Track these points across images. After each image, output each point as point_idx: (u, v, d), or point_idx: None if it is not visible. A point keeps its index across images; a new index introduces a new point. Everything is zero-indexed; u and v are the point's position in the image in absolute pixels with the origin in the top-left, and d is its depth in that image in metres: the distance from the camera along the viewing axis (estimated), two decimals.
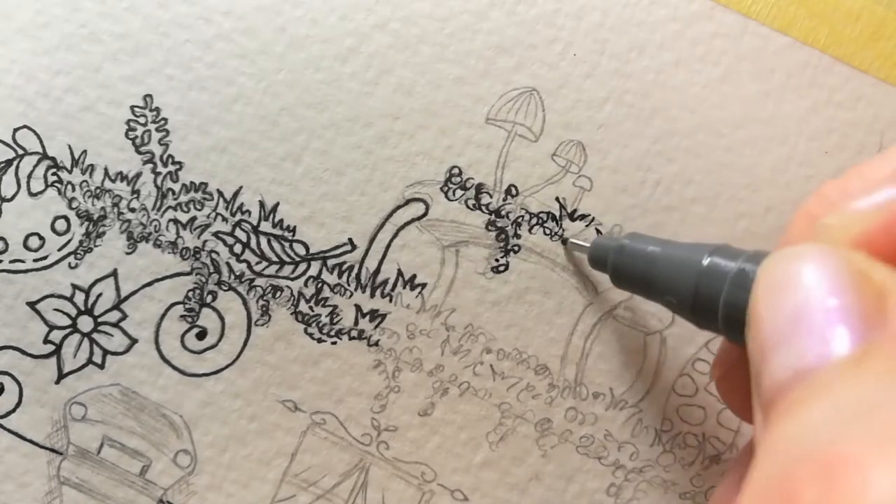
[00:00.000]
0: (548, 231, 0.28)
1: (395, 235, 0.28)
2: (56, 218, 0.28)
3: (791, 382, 0.14)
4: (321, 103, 0.29)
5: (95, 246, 0.28)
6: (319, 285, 0.28)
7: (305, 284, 0.28)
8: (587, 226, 0.28)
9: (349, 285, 0.28)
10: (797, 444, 0.13)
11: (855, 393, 0.13)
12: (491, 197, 0.29)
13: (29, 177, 0.28)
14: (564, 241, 0.28)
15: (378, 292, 0.28)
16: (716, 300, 0.19)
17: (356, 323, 0.28)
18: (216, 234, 0.28)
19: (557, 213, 0.28)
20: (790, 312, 0.15)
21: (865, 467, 0.11)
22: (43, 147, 0.28)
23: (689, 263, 0.20)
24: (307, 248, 0.28)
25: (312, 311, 0.28)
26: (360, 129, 0.28)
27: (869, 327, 0.14)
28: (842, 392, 0.13)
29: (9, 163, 0.28)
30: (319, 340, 0.28)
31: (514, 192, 0.29)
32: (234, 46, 0.29)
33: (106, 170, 0.28)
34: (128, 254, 0.28)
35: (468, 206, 0.29)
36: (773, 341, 0.15)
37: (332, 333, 0.28)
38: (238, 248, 0.28)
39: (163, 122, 0.28)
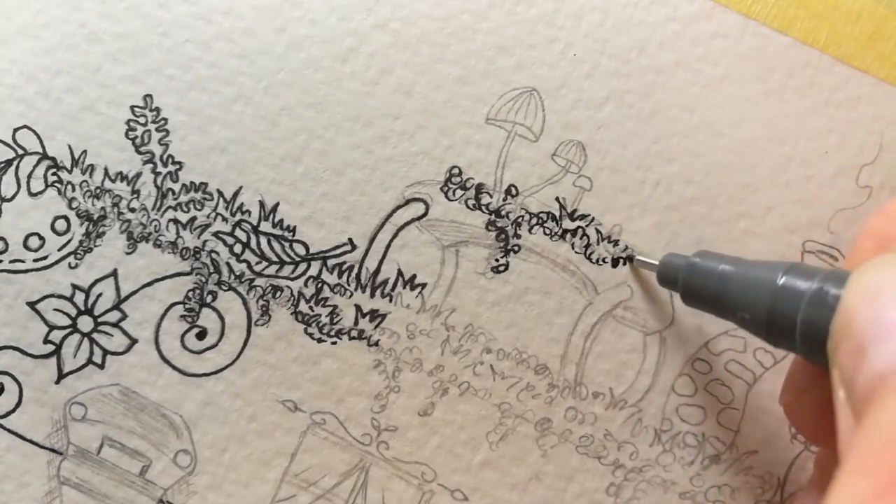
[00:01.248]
0: (548, 231, 0.28)
1: (395, 235, 0.28)
2: (56, 218, 0.28)
3: (890, 374, 0.15)
4: (321, 103, 0.29)
5: (95, 246, 0.28)
6: (319, 285, 0.28)
7: (305, 284, 0.28)
8: (587, 225, 0.28)
9: (349, 285, 0.28)
10: None
11: None
12: (491, 197, 0.29)
13: (29, 177, 0.28)
14: (630, 259, 0.28)
15: (378, 292, 0.28)
16: (792, 319, 0.19)
17: (356, 323, 0.28)
18: (216, 234, 0.28)
19: (557, 213, 0.29)
20: (890, 310, 0.15)
21: None
22: (43, 147, 0.28)
23: (763, 282, 0.21)
24: (307, 248, 0.28)
25: (312, 311, 0.28)
26: (360, 129, 0.28)
27: None
28: None
29: (9, 163, 0.28)
30: (319, 340, 0.28)
31: (514, 192, 0.29)
32: (234, 46, 0.29)
33: (106, 170, 0.28)
34: (128, 254, 0.28)
35: (468, 206, 0.29)
36: (872, 337, 0.15)
37: (332, 333, 0.28)
38: (238, 248, 0.28)
39: (163, 122, 0.28)
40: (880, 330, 0.15)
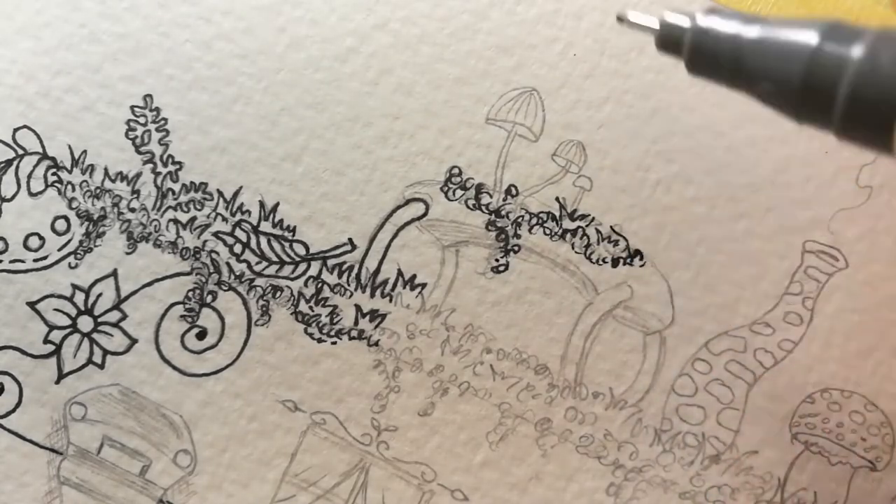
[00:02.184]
0: (548, 231, 0.28)
1: (395, 235, 0.28)
2: (56, 218, 0.28)
3: None
4: (321, 103, 0.29)
5: (95, 246, 0.28)
6: (319, 285, 0.28)
7: (305, 284, 0.28)
8: (587, 225, 0.28)
9: (349, 285, 0.28)
10: None
11: None
12: (491, 197, 0.29)
13: (29, 177, 0.28)
14: (620, 19, 0.23)
15: (378, 292, 0.28)
16: (833, 89, 0.16)
17: (356, 323, 0.28)
18: (216, 234, 0.28)
19: (557, 213, 0.29)
20: None
21: None
22: (43, 147, 0.28)
23: (797, 45, 0.17)
24: (307, 248, 0.28)
25: (312, 311, 0.28)
26: (360, 129, 0.28)
27: None
28: None
29: (9, 163, 0.28)
30: (319, 340, 0.28)
31: (514, 192, 0.29)
32: (234, 46, 0.29)
33: (106, 170, 0.28)
34: (128, 254, 0.28)
35: (468, 206, 0.29)
36: None
37: (332, 333, 0.28)
38: (238, 248, 0.28)
39: (163, 122, 0.28)
40: None
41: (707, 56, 0.20)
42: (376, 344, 0.28)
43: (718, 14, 0.20)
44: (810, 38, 0.17)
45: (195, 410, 0.28)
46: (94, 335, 0.28)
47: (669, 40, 0.21)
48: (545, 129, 0.29)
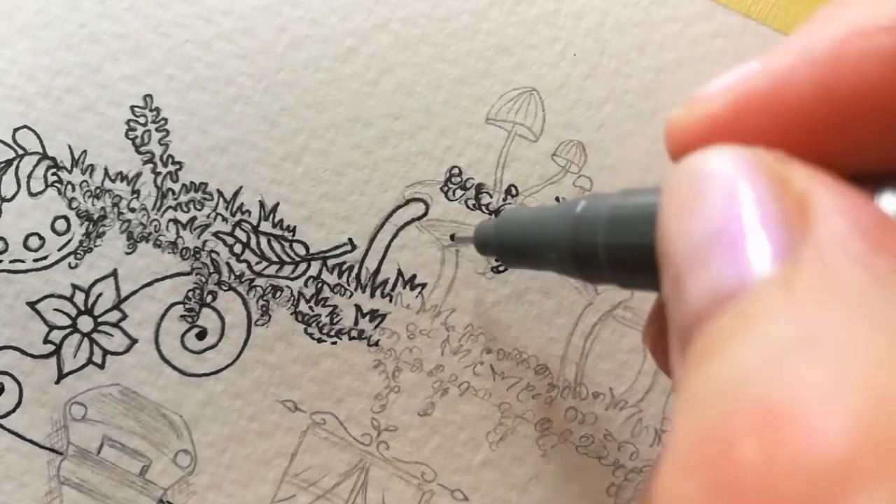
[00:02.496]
0: None
1: (395, 235, 0.28)
2: (56, 218, 0.28)
3: (710, 310, 0.11)
4: (321, 103, 0.29)
5: (95, 246, 0.28)
6: (319, 285, 0.28)
7: (305, 284, 0.28)
8: None
9: (349, 285, 0.28)
10: (728, 390, 0.10)
11: (790, 321, 0.10)
12: (491, 197, 0.29)
13: (29, 177, 0.28)
14: (452, 238, 0.28)
15: (378, 292, 0.28)
16: (594, 247, 0.17)
17: (356, 323, 0.28)
18: (216, 234, 0.28)
19: None
20: (702, 229, 0.12)
21: (813, 414, 0.09)
22: (43, 147, 0.28)
23: (563, 216, 0.19)
24: (307, 248, 0.28)
25: (312, 311, 0.28)
26: (360, 129, 0.28)
27: (793, 238, 0.11)
28: (774, 321, 0.11)
29: (9, 163, 0.28)
30: (319, 340, 0.28)
31: (514, 192, 0.29)
32: (234, 46, 0.29)
33: (106, 170, 0.28)
34: (128, 254, 0.28)
35: (468, 206, 0.29)
36: (685, 265, 0.12)
37: (332, 333, 0.28)
38: (238, 248, 0.28)
39: (163, 122, 0.28)
40: (695, 253, 0.12)
41: (508, 247, 0.22)
42: (376, 344, 0.28)
43: (511, 212, 0.23)
44: (575, 206, 0.18)
45: (195, 410, 0.28)
46: (94, 335, 0.28)
47: (482, 243, 0.24)
48: (545, 129, 0.29)
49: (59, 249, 0.28)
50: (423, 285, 0.28)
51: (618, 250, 0.16)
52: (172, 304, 0.28)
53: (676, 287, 0.12)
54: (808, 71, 0.13)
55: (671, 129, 0.15)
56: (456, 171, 0.28)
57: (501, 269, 0.28)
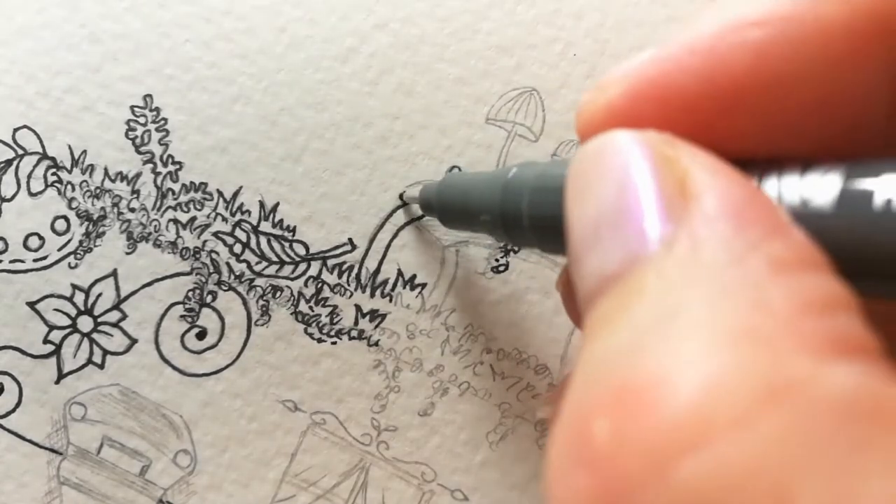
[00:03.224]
0: None
1: (395, 235, 0.28)
2: (56, 218, 0.28)
3: (598, 291, 0.12)
4: (321, 103, 0.29)
5: (95, 246, 0.28)
6: (319, 285, 0.28)
7: (305, 284, 0.28)
8: None
9: (349, 285, 0.28)
10: (596, 369, 0.11)
11: (657, 300, 0.11)
12: None
13: (29, 177, 0.28)
14: (401, 196, 0.28)
15: (378, 292, 0.28)
16: (519, 213, 0.18)
17: (356, 323, 0.28)
18: (216, 234, 0.28)
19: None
20: (595, 211, 0.13)
21: (660, 387, 0.10)
22: (43, 147, 0.28)
23: (497, 180, 0.19)
24: (307, 248, 0.28)
25: (312, 311, 0.28)
26: (360, 129, 0.28)
27: (672, 218, 0.11)
28: (646, 300, 0.11)
29: (9, 163, 0.28)
30: (319, 340, 0.28)
31: None
32: (234, 46, 0.29)
33: (106, 170, 0.28)
34: (128, 254, 0.28)
35: None
36: (581, 246, 0.13)
37: (332, 333, 0.28)
38: (238, 248, 0.28)
39: (163, 122, 0.28)
40: (588, 236, 0.12)
41: (447, 207, 0.23)
42: (376, 344, 0.28)
43: (454, 175, 0.23)
44: (508, 171, 0.19)
45: (195, 410, 0.28)
46: (94, 335, 0.28)
47: (425, 203, 0.25)
48: (545, 129, 0.29)
49: (59, 249, 0.28)
50: (423, 285, 0.28)
51: (539, 218, 0.17)
52: (172, 304, 0.28)
53: (575, 267, 0.13)
54: (691, 61, 0.14)
55: (579, 116, 0.16)
56: (456, 171, 0.28)
57: (501, 269, 0.28)
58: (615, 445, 0.10)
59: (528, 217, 0.17)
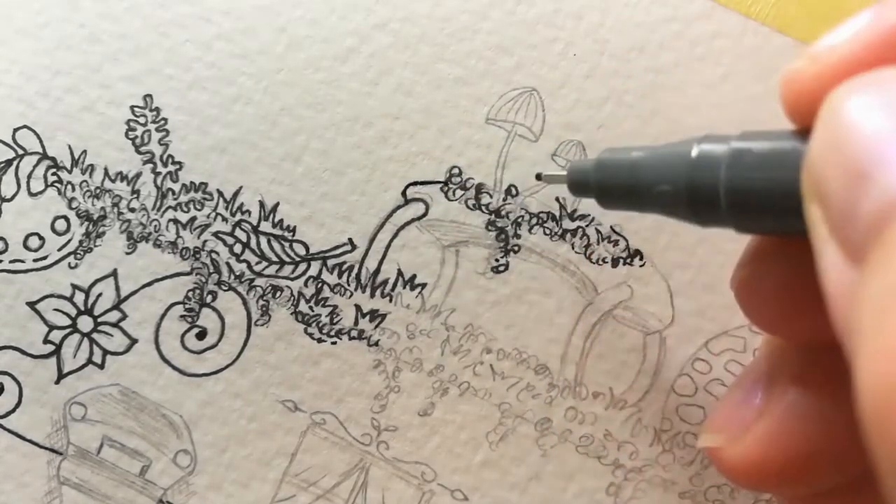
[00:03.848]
0: (548, 231, 0.28)
1: (395, 235, 0.28)
2: (56, 218, 0.28)
3: (888, 219, 0.12)
4: (321, 103, 0.29)
5: (95, 246, 0.28)
6: (319, 285, 0.28)
7: (305, 284, 0.28)
8: (587, 225, 0.28)
9: (349, 285, 0.28)
10: None
11: None
12: (491, 197, 0.29)
13: (29, 177, 0.28)
14: (538, 177, 0.28)
15: (378, 292, 0.28)
16: (714, 187, 0.18)
17: (356, 323, 0.28)
18: (216, 234, 0.28)
19: (557, 213, 0.29)
20: (873, 143, 0.13)
21: None
22: (43, 147, 0.28)
23: (678, 156, 0.19)
24: (307, 248, 0.28)
25: (312, 311, 0.28)
26: (360, 129, 0.28)
27: None
28: None
29: (9, 163, 0.28)
30: (319, 340, 0.28)
31: (514, 192, 0.29)
32: (234, 46, 0.29)
33: (106, 170, 0.28)
34: (128, 254, 0.28)
35: (468, 206, 0.29)
36: (874, 158, 0.13)
37: (332, 333, 0.28)
38: (238, 248, 0.28)
39: (163, 122, 0.28)
40: (882, 149, 0.13)
41: (610, 186, 0.22)
42: (376, 344, 0.28)
43: (614, 151, 0.22)
44: (689, 147, 0.19)
45: (195, 410, 0.28)
46: (94, 335, 0.28)
47: (578, 183, 0.24)
48: (545, 129, 0.29)
49: (59, 249, 0.28)
50: (423, 285, 0.28)
51: (740, 192, 0.17)
52: (172, 304, 0.28)
53: (859, 186, 0.13)
54: None
55: (793, 82, 0.17)
56: (456, 171, 0.29)
57: (501, 269, 0.28)
58: None
59: (727, 192, 0.17)
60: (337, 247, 0.28)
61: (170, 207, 0.28)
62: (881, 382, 0.11)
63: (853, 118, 0.14)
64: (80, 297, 0.28)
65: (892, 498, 0.11)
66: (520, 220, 0.28)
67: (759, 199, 0.17)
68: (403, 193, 0.28)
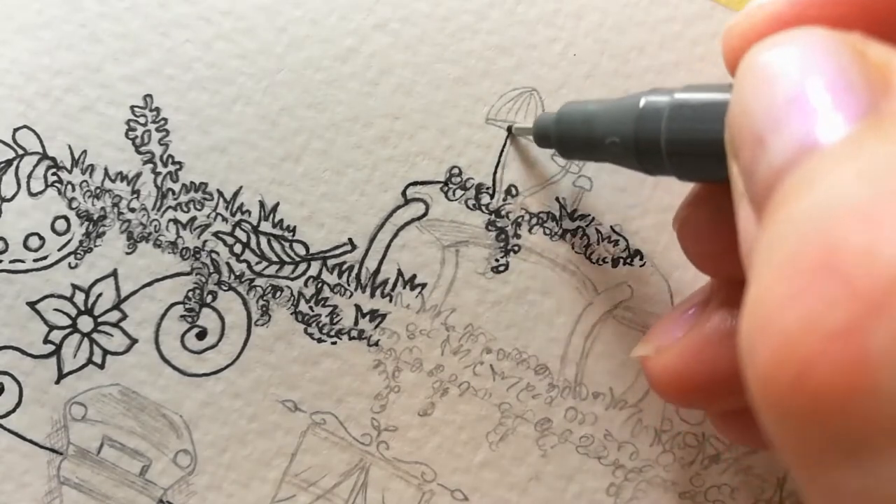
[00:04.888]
0: (548, 231, 0.28)
1: (395, 235, 0.28)
2: (56, 218, 0.28)
3: (797, 158, 0.13)
4: (321, 103, 0.29)
5: (95, 246, 0.28)
6: (319, 285, 0.28)
7: (305, 284, 0.28)
8: (587, 225, 0.28)
9: (349, 285, 0.28)
10: (828, 205, 0.11)
11: (883, 152, 0.12)
12: (491, 197, 0.29)
13: (29, 177, 0.28)
14: (510, 130, 0.28)
15: (378, 292, 0.28)
16: (657, 138, 0.19)
17: (356, 323, 0.28)
18: (216, 234, 0.28)
19: (557, 213, 0.29)
20: (787, 93, 0.13)
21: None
22: (43, 147, 0.28)
23: (626, 108, 0.20)
24: (307, 248, 0.28)
25: (312, 311, 0.28)
26: (360, 129, 0.28)
27: (876, 96, 0.13)
28: (867, 153, 0.12)
29: (9, 163, 0.28)
30: (319, 340, 0.28)
31: (514, 192, 0.29)
32: (234, 46, 0.29)
33: (106, 170, 0.28)
34: (128, 254, 0.28)
35: (468, 206, 0.29)
36: (769, 125, 0.13)
37: (332, 333, 0.28)
38: (238, 248, 0.28)
39: (163, 122, 0.28)
40: (779, 114, 0.13)
41: (568, 136, 0.24)
42: (376, 344, 0.28)
43: (572, 104, 0.24)
44: (637, 99, 0.20)
45: (195, 410, 0.28)
46: (94, 335, 0.28)
47: (541, 135, 0.25)
48: None
49: (59, 249, 0.28)
50: (423, 285, 0.28)
51: (678, 143, 0.18)
52: (172, 304, 0.28)
53: (757, 149, 0.14)
54: None
55: (731, 36, 0.17)
56: (456, 171, 0.29)
57: (501, 269, 0.28)
58: (869, 257, 0.10)
59: (667, 142, 0.18)
60: (337, 247, 0.28)
61: (170, 207, 0.28)
62: (749, 327, 0.12)
63: (756, 81, 0.14)
64: (80, 297, 0.28)
65: (764, 424, 0.12)
66: (520, 220, 0.28)
67: (694, 150, 0.18)
68: (403, 193, 0.28)
